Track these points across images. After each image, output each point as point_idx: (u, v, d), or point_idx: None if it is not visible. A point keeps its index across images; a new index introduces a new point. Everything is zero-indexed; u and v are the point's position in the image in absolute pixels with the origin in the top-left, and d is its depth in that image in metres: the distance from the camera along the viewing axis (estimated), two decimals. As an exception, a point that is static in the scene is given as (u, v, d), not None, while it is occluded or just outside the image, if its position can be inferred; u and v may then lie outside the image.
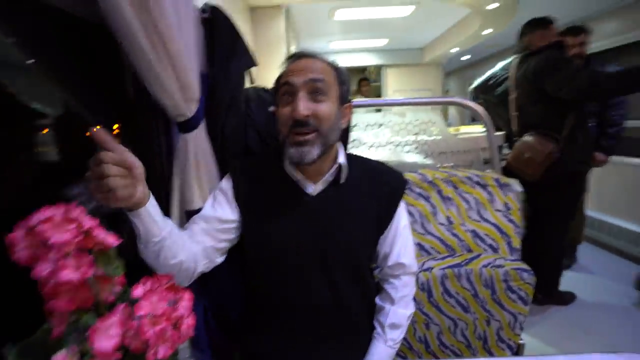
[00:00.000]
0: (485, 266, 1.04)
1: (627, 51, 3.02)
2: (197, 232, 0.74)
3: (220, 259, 0.78)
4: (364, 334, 0.83)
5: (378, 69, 5.82)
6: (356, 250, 0.79)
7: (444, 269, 1.04)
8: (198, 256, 0.72)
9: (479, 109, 1.24)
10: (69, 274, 0.32)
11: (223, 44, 0.98)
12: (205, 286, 0.85)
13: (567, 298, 2.12)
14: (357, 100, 1.26)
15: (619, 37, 3.04)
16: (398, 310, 0.83)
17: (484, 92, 2.26)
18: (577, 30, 2.13)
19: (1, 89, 0.65)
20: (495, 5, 2.19)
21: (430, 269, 1.04)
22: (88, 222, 0.39)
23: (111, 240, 0.39)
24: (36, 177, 0.71)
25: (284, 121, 0.73)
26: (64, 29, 0.74)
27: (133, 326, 0.34)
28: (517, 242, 1.17)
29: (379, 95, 5.64)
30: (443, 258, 1.09)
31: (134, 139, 0.90)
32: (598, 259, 2.67)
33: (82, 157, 0.86)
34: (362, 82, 4.75)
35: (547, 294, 2.05)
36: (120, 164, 0.54)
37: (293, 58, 0.77)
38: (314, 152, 0.72)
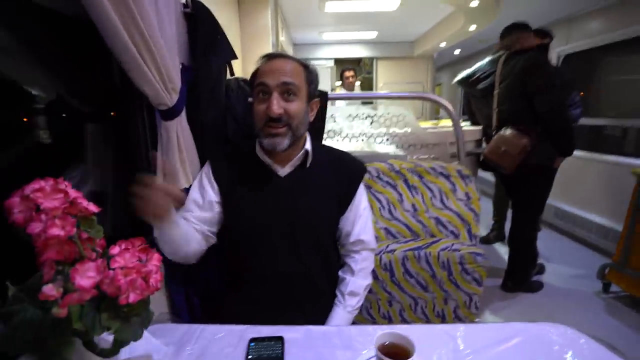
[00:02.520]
0: (443, 250, 1.15)
1: (612, 50, 3.11)
2: (194, 221, 0.87)
3: (214, 239, 0.91)
4: (326, 302, 0.93)
5: (371, 60, 5.86)
6: (319, 224, 0.90)
7: (405, 251, 1.14)
8: (201, 241, 0.87)
9: (447, 104, 1.33)
10: (55, 231, 0.40)
11: (204, 38, 1.04)
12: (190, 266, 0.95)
13: (535, 286, 2.26)
14: (334, 93, 1.32)
15: (604, 36, 3.12)
16: (357, 281, 0.93)
17: (468, 86, 2.35)
18: (544, 34, 2.27)
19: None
20: (476, 3, 2.27)
21: (393, 250, 1.14)
22: (73, 193, 0.47)
23: (92, 208, 0.47)
24: (30, 154, 0.78)
25: (259, 116, 0.84)
26: (54, 25, 0.80)
27: (109, 275, 0.43)
28: (476, 229, 1.28)
29: (371, 87, 5.70)
30: (406, 241, 1.19)
31: (121, 124, 0.97)
32: (568, 250, 2.82)
33: (71, 141, 0.93)
34: (346, 73, 4.73)
35: (517, 282, 2.18)
36: (169, 193, 0.70)
37: (267, 57, 0.86)
38: (284, 142, 0.84)
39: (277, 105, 0.81)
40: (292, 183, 0.89)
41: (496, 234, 2.86)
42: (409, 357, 0.52)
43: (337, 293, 0.94)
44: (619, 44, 3.02)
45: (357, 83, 5.93)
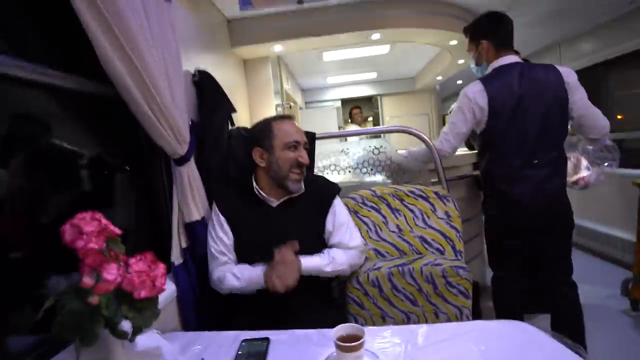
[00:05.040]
0: (425, 265, 1.25)
1: (605, 68, 3.22)
2: (232, 258, 1.12)
3: None
4: (320, 312, 1.06)
5: (377, 97, 6.21)
6: (305, 244, 1.06)
7: (390, 267, 1.25)
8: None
9: (421, 134, 1.50)
10: (92, 245, 0.59)
11: (208, 99, 1.30)
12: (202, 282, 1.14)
13: None
14: (326, 132, 1.53)
15: (596, 55, 3.26)
16: (337, 250, 1.13)
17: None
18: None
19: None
20: (455, 42, 2.51)
21: (379, 268, 1.26)
22: (104, 221, 0.67)
23: (117, 231, 0.67)
24: (75, 199, 1.01)
25: (289, 162, 1.09)
26: (92, 100, 1.07)
27: (127, 277, 0.61)
28: (459, 245, 1.37)
29: (378, 122, 5.98)
30: (392, 259, 1.30)
31: (145, 172, 1.21)
32: (590, 266, 2.73)
33: (105, 187, 1.16)
34: (354, 110, 5.08)
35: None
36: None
37: (284, 118, 1.17)
38: (303, 185, 1.13)
39: (304, 155, 1.11)
40: (281, 213, 1.13)
41: None
42: (359, 340, 0.65)
43: None
44: (611, 62, 3.15)
45: (370, 119, 6.25)
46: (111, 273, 0.57)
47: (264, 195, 1.13)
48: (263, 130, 1.14)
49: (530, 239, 1.47)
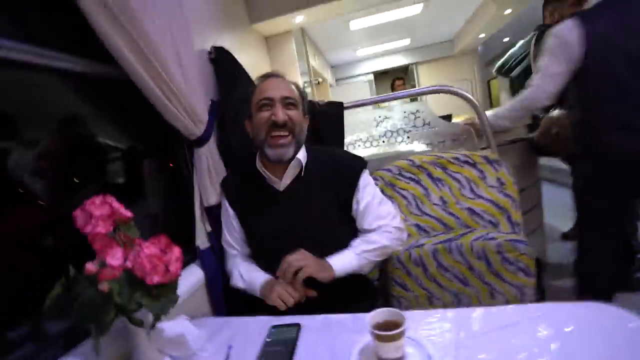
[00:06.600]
0: (476, 239, 1.09)
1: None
2: (240, 250, 1.03)
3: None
4: (343, 300, 0.90)
5: (413, 66, 5.80)
6: (320, 232, 0.93)
7: (435, 244, 1.12)
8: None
9: (465, 93, 1.30)
10: (99, 229, 0.55)
11: (225, 77, 1.23)
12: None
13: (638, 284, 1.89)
14: (355, 101, 1.40)
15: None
16: (373, 235, 0.94)
17: (504, 74, 2.22)
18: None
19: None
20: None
21: (422, 244, 1.13)
22: (116, 204, 0.63)
23: (127, 214, 0.62)
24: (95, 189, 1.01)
25: (262, 125, 0.92)
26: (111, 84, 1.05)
27: (138, 262, 0.56)
28: (517, 216, 1.19)
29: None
30: (437, 234, 1.17)
31: (168, 156, 1.19)
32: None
33: (136, 177, 1.15)
34: (396, 82, 4.78)
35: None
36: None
37: (264, 77, 0.98)
38: (290, 151, 0.92)
39: (282, 112, 0.89)
40: (289, 197, 0.95)
41: None
42: (399, 327, 0.55)
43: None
44: None
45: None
46: (116, 258, 0.52)
47: (269, 174, 0.95)
48: (249, 97, 0.98)
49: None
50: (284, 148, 0.91)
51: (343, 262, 0.90)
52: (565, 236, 2.51)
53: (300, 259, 0.84)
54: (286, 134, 0.91)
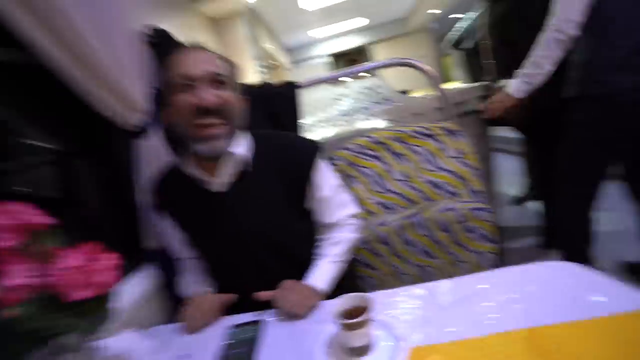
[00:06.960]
0: (440, 211, 1.09)
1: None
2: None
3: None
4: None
5: (368, 47, 5.79)
6: (275, 235, 0.79)
7: (399, 220, 1.10)
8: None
9: (422, 65, 1.28)
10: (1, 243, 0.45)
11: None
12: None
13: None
14: (310, 78, 1.33)
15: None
16: (340, 233, 0.85)
17: (456, 47, 2.25)
18: None
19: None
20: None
21: (387, 223, 1.11)
22: (23, 212, 0.52)
23: (42, 221, 0.52)
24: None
25: (183, 113, 0.70)
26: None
27: (53, 275, 0.47)
28: (478, 185, 1.21)
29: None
30: (401, 211, 1.16)
31: (105, 151, 1.05)
32: None
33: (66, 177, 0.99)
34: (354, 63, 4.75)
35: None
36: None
37: (179, 51, 0.74)
38: (224, 144, 0.73)
39: (209, 94, 0.68)
40: (233, 199, 0.77)
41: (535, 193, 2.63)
42: (365, 312, 0.51)
43: (315, 255, 0.83)
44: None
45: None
46: (17, 276, 0.43)
47: (202, 174, 0.76)
48: (160, 77, 0.77)
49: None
50: (218, 140, 0.71)
51: (326, 277, 0.78)
52: (517, 200, 2.66)
53: (293, 304, 0.69)
54: (218, 121, 0.70)
